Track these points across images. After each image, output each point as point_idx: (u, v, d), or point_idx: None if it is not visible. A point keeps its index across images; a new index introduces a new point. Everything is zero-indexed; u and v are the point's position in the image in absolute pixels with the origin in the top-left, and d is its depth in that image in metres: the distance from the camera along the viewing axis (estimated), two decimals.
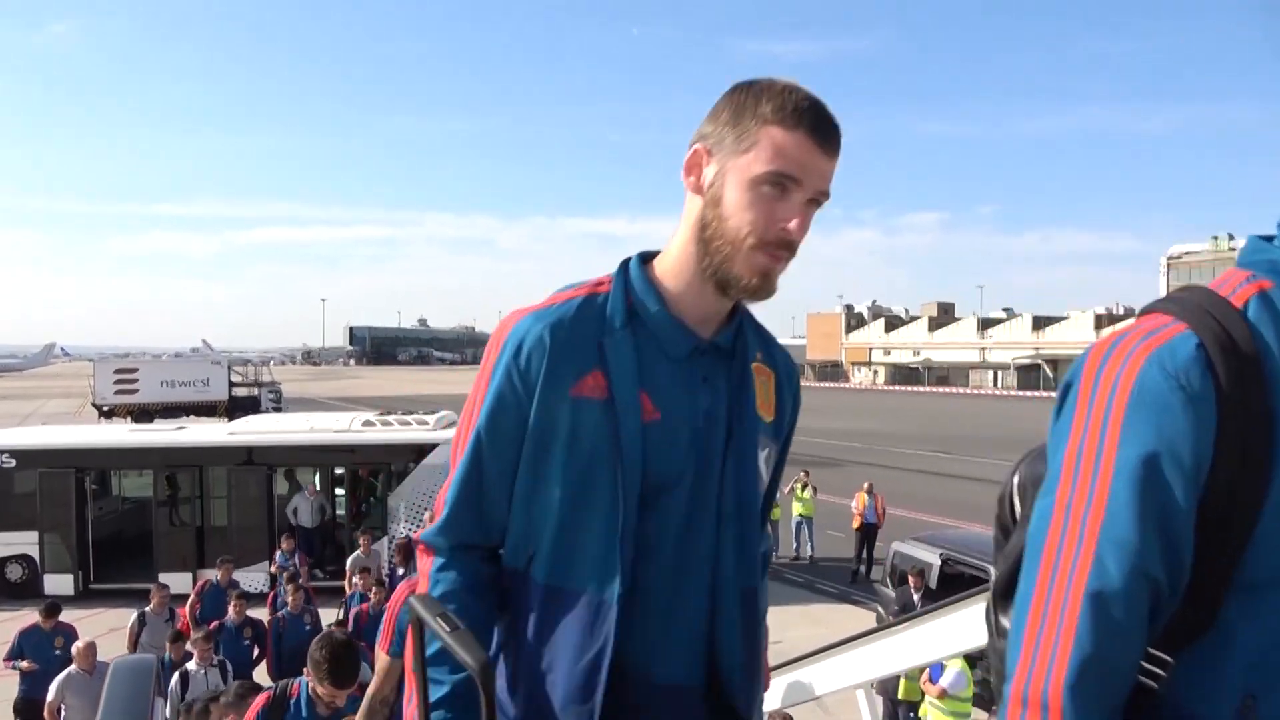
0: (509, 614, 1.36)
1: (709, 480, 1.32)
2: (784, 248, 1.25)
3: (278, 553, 11.58)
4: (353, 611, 8.51)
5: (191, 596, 9.33)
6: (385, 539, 12.79)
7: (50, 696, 6.81)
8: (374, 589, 8.62)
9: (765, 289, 1.28)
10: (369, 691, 2.67)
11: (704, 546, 1.32)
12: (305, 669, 3.58)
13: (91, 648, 7.03)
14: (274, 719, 3.50)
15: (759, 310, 1.43)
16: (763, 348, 1.43)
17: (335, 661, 3.30)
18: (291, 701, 3.50)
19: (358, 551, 11.04)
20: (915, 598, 8.89)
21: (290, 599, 8.30)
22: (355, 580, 9.38)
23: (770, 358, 1.44)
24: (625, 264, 1.37)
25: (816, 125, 1.22)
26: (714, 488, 1.32)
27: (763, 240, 1.23)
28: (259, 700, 3.61)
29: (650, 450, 1.27)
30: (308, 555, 13.86)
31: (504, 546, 1.36)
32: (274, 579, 10.52)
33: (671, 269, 1.33)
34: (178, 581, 13.30)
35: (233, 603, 8.11)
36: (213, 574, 9.88)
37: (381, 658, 2.70)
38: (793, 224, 1.23)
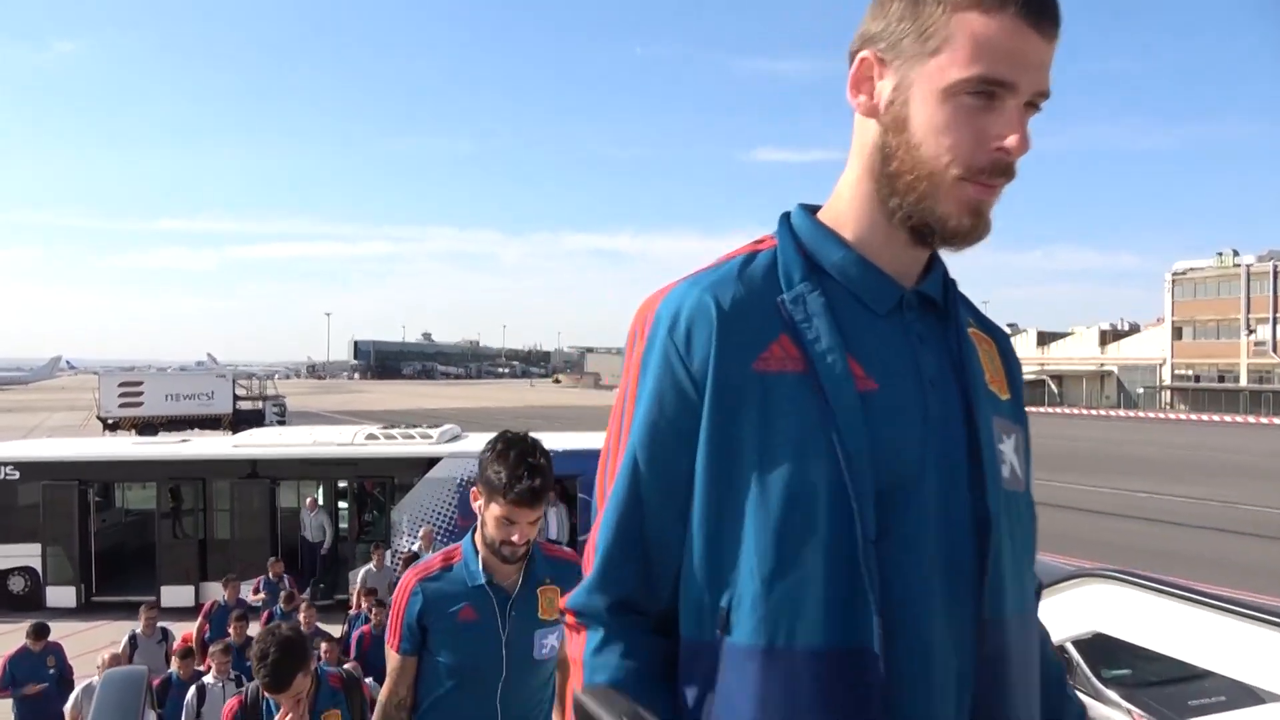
0: (697, 709, 0.97)
1: (955, 469, 0.97)
2: (1000, 174, 0.94)
3: (261, 579, 10.77)
4: (355, 635, 8.34)
5: (199, 619, 9.15)
6: (388, 552, 12.76)
7: (68, 705, 6.77)
8: (375, 610, 8.47)
9: (979, 229, 0.97)
10: (381, 696, 2.42)
11: (967, 564, 0.96)
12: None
13: (116, 660, 6.99)
14: None
15: None
16: (971, 312, 1.11)
17: (264, 659, 3.01)
18: (265, 701, 3.34)
19: (369, 566, 10.90)
20: None
21: (303, 615, 8.04)
22: (362, 600, 9.12)
23: (985, 325, 1.12)
24: (785, 216, 1.07)
25: (1028, 0, 0.91)
26: (963, 480, 0.97)
27: (971, 167, 0.93)
28: (230, 705, 3.46)
29: (875, 428, 0.93)
30: (310, 571, 13.85)
31: (679, 609, 0.99)
32: (275, 596, 10.19)
33: (846, 214, 1.02)
34: (180, 595, 13.39)
35: (232, 624, 7.91)
36: (219, 595, 9.65)
37: (392, 656, 2.42)
38: (1010, 141, 0.92)
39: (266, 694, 3.17)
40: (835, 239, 1.02)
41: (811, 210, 1.06)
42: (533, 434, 2.46)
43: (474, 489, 2.40)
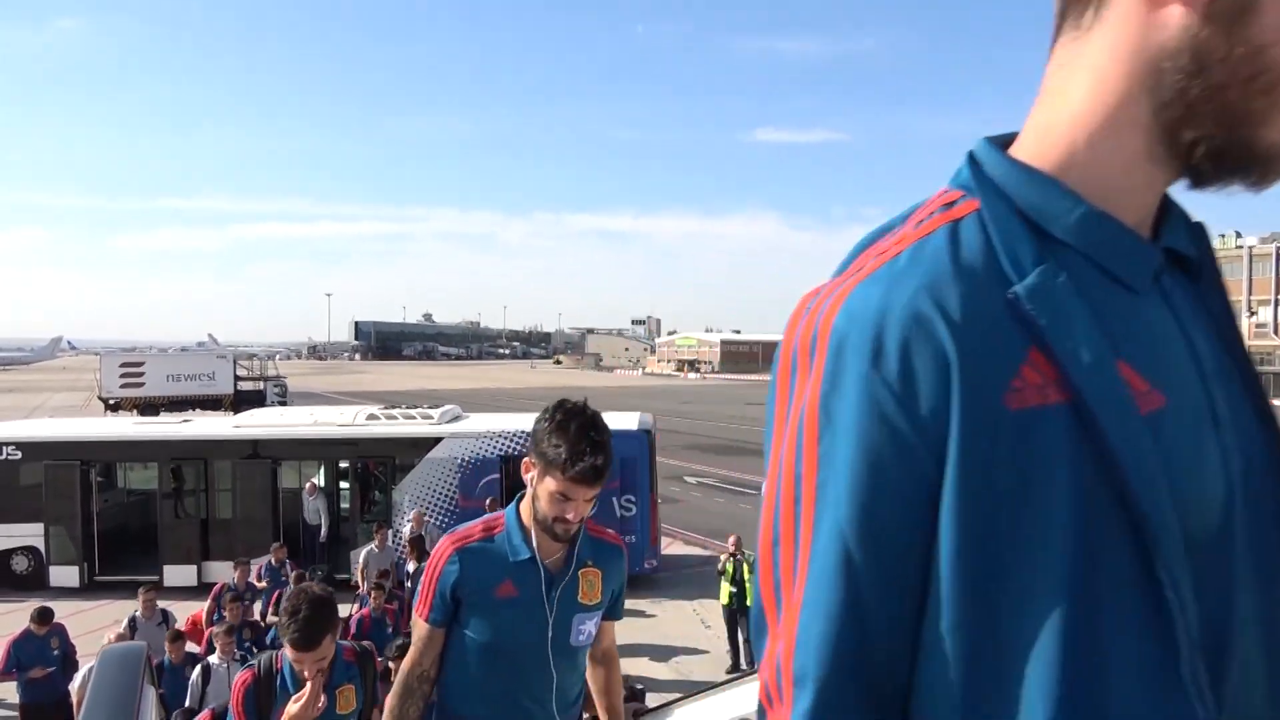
0: None
1: (1261, 493, 0.72)
2: None
3: (264, 565, 10.51)
4: (354, 617, 8.36)
5: (208, 601, 9.09)
6: (389, 532, 12.81)
7: (75, 684, 6.80)
8: (374, 592, 8.45)
9: None
10: (404, 665, 2.31)
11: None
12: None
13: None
14: (264, 696, 3.25)
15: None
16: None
17: (295, 614, 2.91)
18: (278, 675, 3.24)
19: (371, 546, 10.92)
20: None
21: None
22: (362, 581, 9.17)
23: None
24: (971, 159, 0.76)
25: None
26: (1270, 505, 0.72)
27: None
28: (242, 678, 3.33)
29: (1175, 466, 0.66)
30: (311, 554, 13.87)
31: None
32: (277, 581, 10.12)
33: (1082, 151, 0.71)
34: (183, 575, 13.47)
35: (227, 607, 7.89)
36: (227, 576, 9.68)
37: (420, 625, 2.31)
38: None
39: (293, 651, 3.01)
40: (1064, 191, 0.71)
41: (1002, 147, 0.75)
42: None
43: (526, 460, 2.27)
